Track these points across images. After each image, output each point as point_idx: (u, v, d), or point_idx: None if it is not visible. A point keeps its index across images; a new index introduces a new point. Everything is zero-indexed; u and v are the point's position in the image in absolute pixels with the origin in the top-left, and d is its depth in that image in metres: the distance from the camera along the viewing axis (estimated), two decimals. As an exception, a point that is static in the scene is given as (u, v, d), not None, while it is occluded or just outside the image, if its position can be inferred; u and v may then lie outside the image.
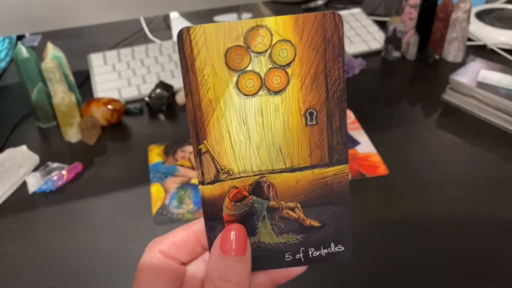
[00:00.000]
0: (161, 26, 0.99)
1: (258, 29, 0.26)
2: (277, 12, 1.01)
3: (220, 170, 0.28)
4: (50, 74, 0.64)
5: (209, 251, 0.29)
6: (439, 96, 0.74)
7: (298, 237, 0.29)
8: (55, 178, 0.60)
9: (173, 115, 0.73)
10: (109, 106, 0.69)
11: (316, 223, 0.29)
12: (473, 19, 0.89)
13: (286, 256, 0.29)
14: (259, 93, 0.27)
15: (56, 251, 0.53)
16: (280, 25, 0.26)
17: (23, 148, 0.65)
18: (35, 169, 0.63)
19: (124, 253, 0.52)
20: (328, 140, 0.28)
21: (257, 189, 0.28)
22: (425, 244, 0.52)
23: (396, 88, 0.78)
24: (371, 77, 0.81)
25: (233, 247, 0.27)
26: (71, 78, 0.71)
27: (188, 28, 0.26)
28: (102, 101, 0.69)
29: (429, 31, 0.82)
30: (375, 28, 0.92)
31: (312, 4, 1.04)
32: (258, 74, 0.26)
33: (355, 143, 0.66)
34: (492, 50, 0.85)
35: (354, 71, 0.81)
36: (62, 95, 0.65)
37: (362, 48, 0.87)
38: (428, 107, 0.73)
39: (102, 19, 0.71)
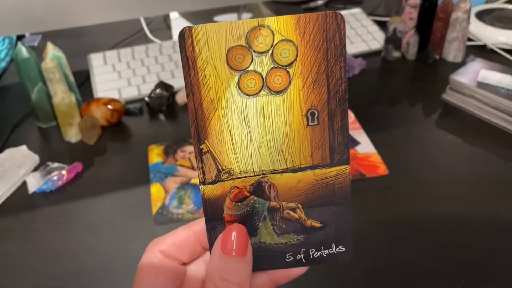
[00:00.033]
0: (161, 26, 0.99)
1: (260, 29, 0.26)
2: (277, 12, 1.01)
3: (221, 170, 0.28)
4: (50, 74, 0.64)
5: (210, 251, 0.29)
6: (439, 96, 0.74)
7: (299, 238, 0.29)
8: (55, 178, 0.60)
9: (173, 115, 0.73)
10: (109, 106, 0.69)
11: (317, 224, 0.29)
12: (473, 19, 0.89)
13: (287, 257, 0.29)
14: (261, 93, 0.27)
15: (56, 251, 0.53)
16: (282, 25, 0.26)
17: (23, 148, 0.65)
18: (35, 169, 0.63)
19: (124, 253, 0.52)
20: (329, 140, 0.28)
21: (258, 189, 0.28)
22: (425, 244, 0.52)
23: (396, 88, 0.78)
24: (371, 77, 0.81)
25: (234, 247, 0.27)
26: (71, 78, 0.71)
27: (189, 28, 0.26)
28: (102, 101, 0.69)
29: (429, 31, 0.82)
30: (375, 28, 0.92)
31: (312, 4, 1.04)
32: (260, 74, 0.26)
33: (355, 143, 0.66)
34: (492, 50, 0.85)
35: (354, 71, 0.81)
36: (62, 95, 0.65)
37: (362, 48, 0.87)
38: (428, 107, 0.73)
39: (102, 19, 0.71)
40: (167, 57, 0.84)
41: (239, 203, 0.29)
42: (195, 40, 0.26)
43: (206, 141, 0.27)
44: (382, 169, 0.61)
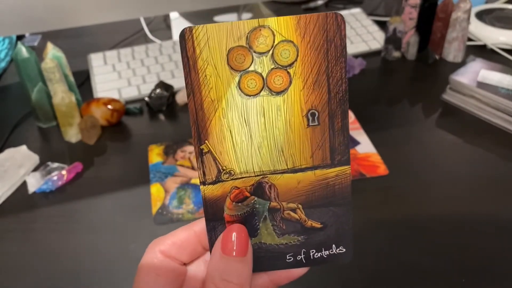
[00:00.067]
0: (161, 26, 0.99)
1: (260, 30, 0.26)
2: (277, 12, 1.01)
3: (221, 170, 0.28)
4: (50, 74, 0.64)
5: (210, 252, 0.29)
6: (439, 96, 0.74)
7: (300, 238, 0.29)
8: (55, 178, 0.60)
9: (173, 115, 0.73)
10: (109, 106, 0.69)
11: (317, 224, 0.29)
12: (473, 19, 0.89)
13: (287, 257, 0.29)
14: (261, 93, 0.27)
15: (56, 251, 0.53)
16: (282, 25, 0.26)
17: (23, 148, 0.65)
18: (35, 169, 0.63)
19: (124, 253, 0.52)
20: (330, 141, 0.28)
21: (259, 189, 0.28)
22: (425, 244, 0.52)
23: (396, 88, 0.78)
24: (371, 77, 0.81)
25: (234, 247, 0.27)
26: (71, 78, 0.71)
27: (190, 28, 0.26)
28: (102, 101, 0.69)
29: (429, 31, 0.82)
30: (375, 28, 0.92)
31: (312, 4, 1.04)
32: (260, 75, 0.26)
33: (355, 143, 0.66)
34: (492, 50, 0.85)
35: (354, 71, 0.81)
36: (62, 95, 0.65)
37: (362, 48, 0.87)
38: (428, 107, 0.73)
39: (102, 19, 0.71)
40: (167, 57, 0.84)
41: (240, 204, 0.29)
42: (196, 41, 0.26)
43: (206, 141, 0.27)
44: (382, 169, 0.61)
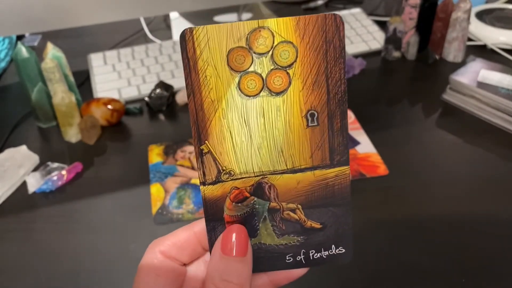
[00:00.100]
0: (161, 26, 0.99)
1: (260, 31, 0.26)
2: (277, 12, 1.01)
3: (221, 171, 0.28)
4: (50, 74, 0.64)
5: (210, 252, 0.29)
6: (439, 96, 0.74)
7: (299, 239, 0.29)
8: (55, 178, 0.60)
9: (173, 115, 0.73)
10: (109, 106, 0.69)
11: (317, 225, 0.29)
12: (473, 19, 0.89)
13: (287, 258, 0.29)
14: (261, 94, 0.27)
15: (56, 251, 0.53)
16: (281, 26, 0.26)
17: (23, 148, 0.65)
18: (35, 169, 0.63)
19: (124, 253, 0.52)
20: (329, 141, 0.28)
21: (258, 190, 0.28)
22: (425, 244, 0.52)
23: (396, 88, 0.78)
24: (371, 77, 0.81)
25: (234, 247, 0.27)
26: (71, 78, 0.71)
27: (190, 29, 0.26)
28: (102, 101, 0.69)
29: (429, 31, 0.83)
30: (375, 28, 0.92)
31: (312, 4, 1.04)
32: (260, 75, 0.27)
33: (355, 143, 0.66)
34: (492, 50, 0.85)
35: (354, 71, 0.81)
36: (62, 95, 0.65)
37: (362, 48, 0.87)
38: (428, 107, 0.73)
39: (102, 19, 0.71)
40: (167, 57, 0.84)
41: (239, 204, 0.29)
42: (196, 42, 0.26)
43: (206, 141, 0.28)
44: (382, 169, 0.61)
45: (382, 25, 0.91)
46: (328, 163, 0.28)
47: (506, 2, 0.99)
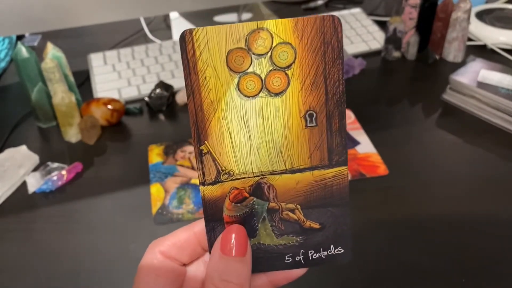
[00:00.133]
0: (161, 26, 0.99)
1: (259, 32, 0.26)
2: (277, 12, 1.01)
3: (221, 171, 0.28)
4: (50, 74, 0.64)
5: (210, 252, 0.29)
6: (439, 96, 0.74)
7: (298, 239, 0.29)
8: (55, 178, 0.60)
9: (173, 115, 0.73)
10: (109, 106, 0.69)
11: (316, 225, 0.29)
12: (473, 19, 0.89)
13: (286, 258, 0.29)
14: (260, 94, 0.27)
15: (56, 251, 0.53)
16: (280, 27, 0.26)
17: (23, 148, 0.65)
18: (35, 169, 0.63)
19: (124, 253, 0.52)
20: (327, 141, 0.28)
21: (258, 190, 0.28)
22: (425, 244, 0.52)
23: (396, 88, 0.78)
24: (371, 77, 0.81)
25: (234, 248, 0.27)
26: (71, 78, 0.71)
27: (190, 30, 0.26)
28: (102, 101, 0.69)
29: (429, 31, 0.83)
30: (375, 28, 0.92)
31: (312, 4, 1.04)
32: (259, 76, 0.27)
33: (355, 143, 0.66)
34: (492, 50, 0.85)
35: (354, 71, 0.81)
36: (62, 95, 0.65)
37: (362, 48, 0.87)
38: (428, 107, 0.73)
39: (102, 19, 0.71)
40: (167, 57, 0.84)
41: (239, 204, 0.29)
42: (196, 43, 0.26)
43: (206, 142, 0.28)
44: (382, 169, 0.61)
45: (382, 25, 0.91)
46: (327, 164, 0.28)
47: (506, 2, 0.99)
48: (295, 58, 0.27)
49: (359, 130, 0.68)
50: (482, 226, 0.53)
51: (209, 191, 0.28)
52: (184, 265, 0.31)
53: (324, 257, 0.29)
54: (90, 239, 0.54)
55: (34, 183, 0.60)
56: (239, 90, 0.27)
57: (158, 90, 0.73)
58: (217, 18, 0.95)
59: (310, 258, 0.29)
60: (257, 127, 0.27)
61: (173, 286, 0.29)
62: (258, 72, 0.27)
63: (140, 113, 0.74)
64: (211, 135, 0.27)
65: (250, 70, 0.26)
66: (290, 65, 0.27)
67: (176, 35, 0.94)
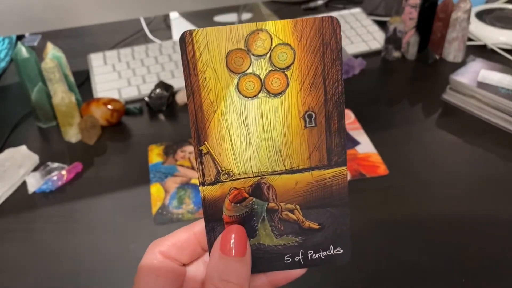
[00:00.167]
0: (161, 26, 0.99)
1: (258, 33, 0.26)
2: (277, 12, 1.01)
3: (220, 171, 0.28)
4: (50, 74, 0.64)
5: (209, 253, 0.29)
6: (439, 96, 0.74)
7: (297, 239, 0.29)
8: (55, 178, 0.60)
9: (173, 115, 0.74)
10: (109, 106, 0.69)
11: (315, 225, 0.29)
12: (473, 19, 0.89)
13: (286, 258, 0.29)
14: (259, 95, 0.27)
15: (56, 251, 0.53)
16: (279, 29, 0.26)
17: (23, 148, 0.65)
18: (35, 169, 0.63)
19: (124, 253, 0.52)
20: (326, 142, 0.28)
21: (257, 190, 0.29)
22: (425, 244, 0.52)
23: (396, 88, 0.78)
24: (371, 77, 0.81)
25: (233, 248, 0.27)
26: (71, 78, 0.71)
27: (190, 31, 0.26)
28: (102, 101, 0.69)
29: (429, 31, 0.83)
30: (375, 28, 0.92)
31: (312, 4, 1.04)
32: (258, 77, 0.27)
33: (355, 143, 0.66)
34: (492, 50, 0.85)
35: (354, 71, 0.81)
36: (62, 95, 0.65)
37: (362, 48, 0.87)
38: (428, 107, 0.73)
39: (102, 19, 0.71)
40: (167, 57, 0.84)
41: (238, 204, 0.29)
42: (196, 44, 0.26)
43: (206, 142, 0.28)
44: (382, 169, 0.61)
45: (382, 25, 0.91)
46: (326, 164, 0.28)
47: (506, 2, 0.99)
48: (294, 59, 0.27)
49: (359, 130, 0.68)
50: (482, 226, 0.53)
51: (209, 191, 0.28)
52: (184, 265, 0.31)
53: (323, 257, 0.29)
54: (90, 239, 0.54)
55: (34, 183, 0.60)
56: (238, 90, 0.27)
57: (158, 90, 0.73)
58: (217, 18, 0.95)
59: (310, 258, 0.29)
60: (256, 128, 0.27)
61: (173, 286, 0.29)
62: (257, 73, 0.27)
63: (140, 113, 0.74)
64: (210, 135, 0.28)
65: (250, 71, 0.27)
66: (289, 66, 0.27)
67: (176, 35, 0.94)
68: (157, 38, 0.93)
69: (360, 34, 0.90)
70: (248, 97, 0.27)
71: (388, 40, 0.83)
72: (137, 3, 0.71)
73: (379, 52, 0.86)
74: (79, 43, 0.95)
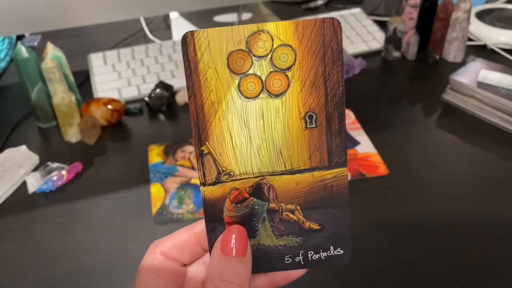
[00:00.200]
0: (161, 26, 0.99)
1: (259, 34, 0.26)
2: (277, 12, 1.01)
3: (221, 172, 0.28)
4: (50, 74, 0.64)
5: (210, 253, 0.29)
6: (439, 96, 0.74)
7: (298, 240, 0.29)
8: (55, 178, 0.60)
9: (173, 115, 0.74)
10: (109, 106, 0.69)
11: (315, 226, 0.29)
12: (473, 19, 0.89)
13: (286, 259, 0.29)
14: (260, 96, 0.27)
15: (56, 251, 0.53)
16: (280, 30, 0.26)
17: (23, 148, 0.65)
18: (35, 169, 0.63)
19: (124, 253, 0.52)
20: (327, 143, 0.28)
21: (258, 191, 0.29)
22: (425, 244, 0.52)
23: (396, 88, 0.79)
24: (371, 77, 0.81)
25: (234, 248, 0.28)
26: (71, 78, 0.71)
27: (192, 32, 0.26)
28: (102, 101, 0.69)
29: (429, 31, 0.83)
30: (375, 28, 0.92)
31: (312, 4, 1.04)
32: (259, 78, 0.27)
33: (355, 143, 0.66)
34: (492, 50, 0.85)
35: (354, 71, 0.81)
36: (62, 95, 0.65)
37: (362, 48, 0.87)
38: (428, 107, 0.73)
39: (102, 19, 0.71)
40: (167, 57, 0.84)
41: (239, 205, 0.29)
42: (197, 44, 0.26)
43: (207, 142, 0.28)
44: (382, 169, 0.61)
45: (382, 25, 0.91)
46: (327, 165, 0.28)
47: (506, 2, 0.99)
48: (295, 60, 0.27)
49: (359, 130, 0.68)
50: (482, 226, 0.54)
51: (210, 191, 0.28)
52: (185, 265, 0.31)
53: (323, 258, 0.29)
54: (90, 239, 0.54)
55: (34, 183, 0.60)
56: (239, 91, 0.27)
57: (158, 90, 0.73)
58: (217, 18, 0.95)
59: (310, 259, 0.29)
60: (257, 128, 0.28)
61: (174, 286, 0.29)
62: (258, 73, 0.27)
63: (140, 113, 0.74)
64: (212, 136, 0.28)
65: (251, 71, 0.27)
66: (290, 67, 0.27)
67: (176, 35, 0.94)
68: (157, 38, 0.93)
69: (360, 34, 0.90)
70: (249, 98, 0.27)
71: (388, 40, 0.83)
72: (137, 3, 0.71)
73: (379, 52, 0.86)
74: (79, 43, 0.94)
